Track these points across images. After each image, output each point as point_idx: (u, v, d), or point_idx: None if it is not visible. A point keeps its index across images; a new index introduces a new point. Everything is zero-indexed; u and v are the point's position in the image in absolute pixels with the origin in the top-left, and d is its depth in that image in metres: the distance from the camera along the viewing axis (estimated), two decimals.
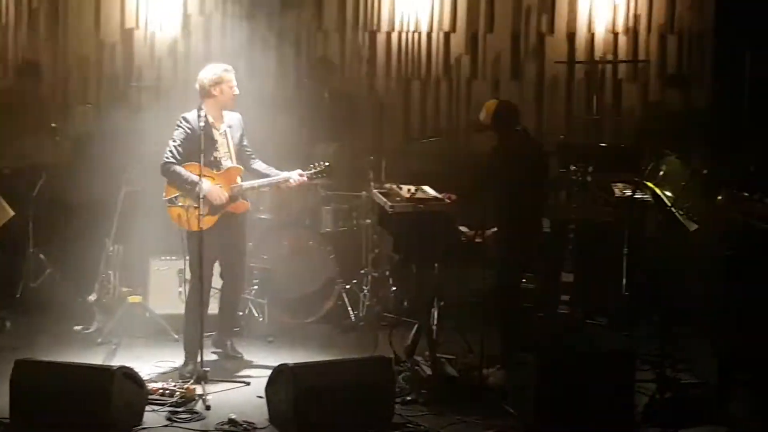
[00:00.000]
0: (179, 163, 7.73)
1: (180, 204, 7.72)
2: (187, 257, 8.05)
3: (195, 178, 7.60)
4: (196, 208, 7.55)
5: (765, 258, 6.98)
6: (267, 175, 8.09)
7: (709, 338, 7.76)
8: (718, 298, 7.17)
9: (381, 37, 11.04)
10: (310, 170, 8.08)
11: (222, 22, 10.78)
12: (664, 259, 8.55)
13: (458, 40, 11.07)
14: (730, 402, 7.04)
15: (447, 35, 11.06)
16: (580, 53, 11.03)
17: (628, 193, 8.76)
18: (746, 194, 7.67)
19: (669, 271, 8.35)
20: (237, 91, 7.91)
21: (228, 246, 8.01)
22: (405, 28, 11.01)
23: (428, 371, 7.44)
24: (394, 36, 11.03)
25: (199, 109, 7.70)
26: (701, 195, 7.43)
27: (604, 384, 6.77)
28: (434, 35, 11.05)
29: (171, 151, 7.75)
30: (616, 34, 11.03)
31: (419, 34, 11.03)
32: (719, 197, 7.65)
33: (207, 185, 7.69)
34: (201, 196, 7.53)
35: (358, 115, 10.63)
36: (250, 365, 8.09)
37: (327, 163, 8.13)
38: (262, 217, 9.29)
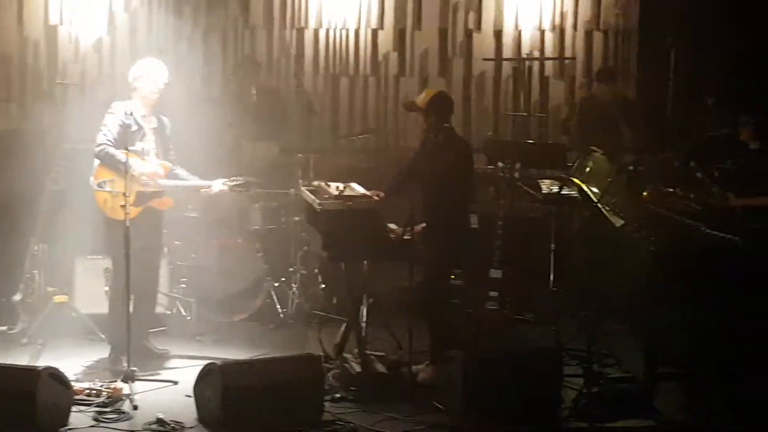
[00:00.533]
0: (114, 147, 7.65)
1: (108, 189, 7.61)
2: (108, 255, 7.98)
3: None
4: (124, 195, 7.41)
5: (689, 253, 7.07)
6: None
7: (636, 333, 7.83)
8: (643, 293, 7.24)
9: (308, 34, 11.02)
10: (233, 182, 8.03)
11: (147, 19, 10.69)
12: (591, 254, 8.63)
13: (386, 37, 11.09)
14: (656, 396, 7.12)
15: (375, 32, 11.07)
16: (508, 50, 11.09)
17: (555, 189, 8.82)
18: (671, 190, 7.78)
19: (595, 267, 8.42)
20: (160, 86, 7.86)
21: (144, 243, 7.90)
22: (333, 25, 11.01)
23: (357, 368, 7.43)
24: (322, 33, 11.02)
25: (129, 101, 7.74)
26: (627, 191, 7.50)
27: (532, 379, 6.83)
28: (362, 32, 11.06)
29: (105, 135, 7.68)
30: (542, 31, 11.11)
31: (347, 30, 11.03)
32: (645, 193, 7.74)
33: (142, 165, 7.69)
34: (130, 173, 7.46)
35: (286, 113, 10.58)
36: (178, 364, 8.02)
37: (244, 179, 8.08)
38: (191, 215, 9.22)
